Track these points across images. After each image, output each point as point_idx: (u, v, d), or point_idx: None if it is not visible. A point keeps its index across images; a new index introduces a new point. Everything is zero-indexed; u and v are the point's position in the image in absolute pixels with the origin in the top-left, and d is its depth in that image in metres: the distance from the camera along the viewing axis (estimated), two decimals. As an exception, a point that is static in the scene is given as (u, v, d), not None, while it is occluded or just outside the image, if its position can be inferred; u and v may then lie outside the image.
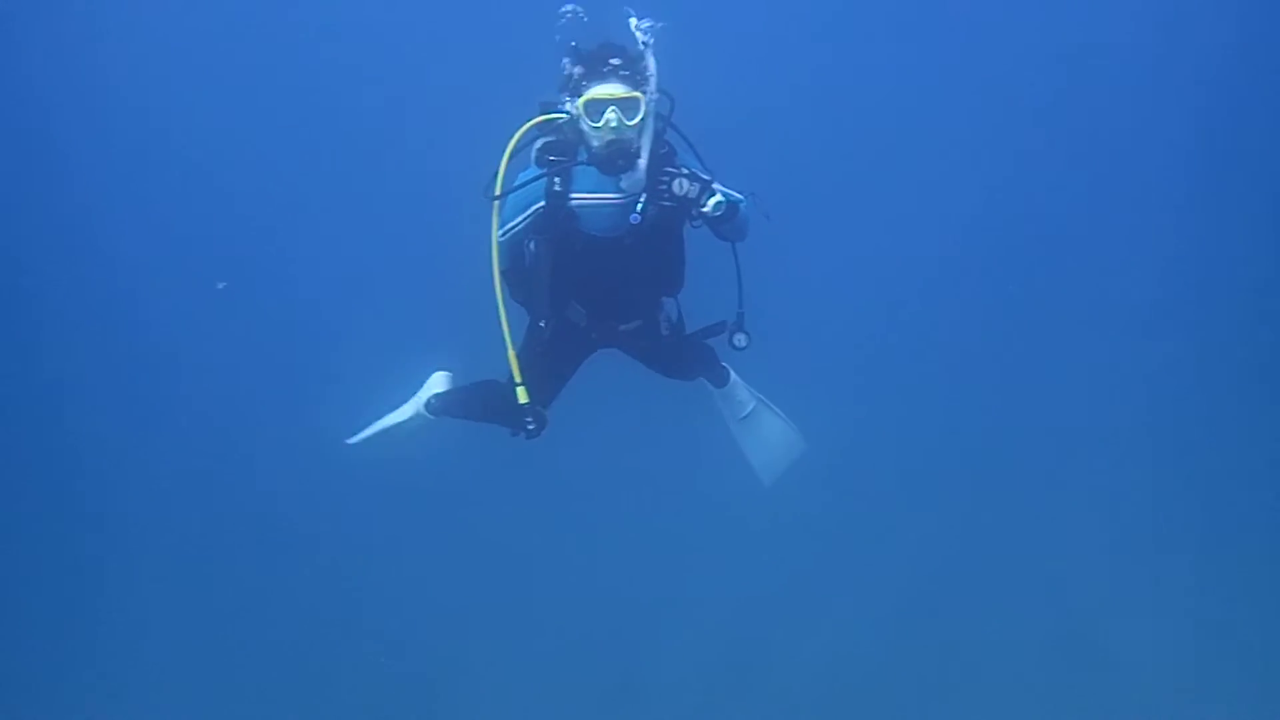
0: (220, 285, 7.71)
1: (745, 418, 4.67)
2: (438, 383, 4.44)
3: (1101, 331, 7.99)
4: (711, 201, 3.52)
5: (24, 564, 7.16)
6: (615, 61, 3.50)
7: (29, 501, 7.43)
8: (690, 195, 3.51)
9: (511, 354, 3.70)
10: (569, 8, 3.67)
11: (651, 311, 4.04)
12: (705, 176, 3.60)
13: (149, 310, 7.76)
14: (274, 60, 7.52)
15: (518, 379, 3.72)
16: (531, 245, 3.79)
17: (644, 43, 3.50)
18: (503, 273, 3.77)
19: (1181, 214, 8.08)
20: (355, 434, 4.49)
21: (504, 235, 3.71)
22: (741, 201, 3.70)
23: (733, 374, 4.58)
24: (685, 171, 3.56)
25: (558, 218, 3.64)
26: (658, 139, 3.58)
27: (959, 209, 7.90)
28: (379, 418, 4.46)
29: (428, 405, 4.35)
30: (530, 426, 3.76)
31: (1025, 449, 7.63)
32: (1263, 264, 8.02)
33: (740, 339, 4.00)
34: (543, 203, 3.63)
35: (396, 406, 4.46)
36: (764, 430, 4.71)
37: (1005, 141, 7.92)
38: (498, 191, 3.63)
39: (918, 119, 7.90)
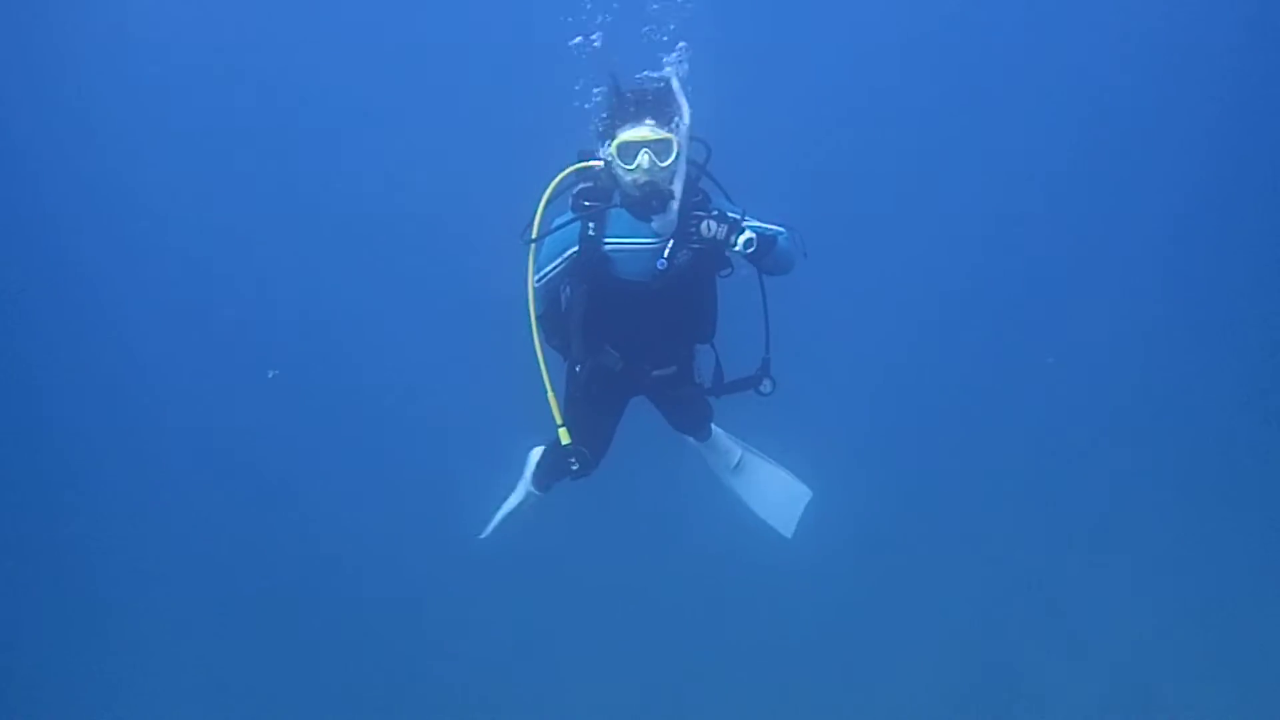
0: (271, 374, 7.88)
1: (736, 468, 4.67)
2: (536, 458, 4.55)
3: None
4: (741, 239, 3.54)
5: (26, 565, 7.21)
6: (646, 102, 3.57)
7: (32, 503, 7.53)
8: (719, 236, 3.54)
9: (551, 396, 3.74)
10: (578, 38, 3.76)
11: (686, 358, 4.05)
12: (734, 215, 3.63)
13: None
14: (306, 126, 7.74)
15: (558, 420, 3.75)
16: (567, 290, 3.87)
17: (674, 78, 3.61)
18: (539, 317, 3.83)
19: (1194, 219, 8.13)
20: (484, 528, 4.70)
21: (540, 280, 3.77)
22: (780, 234, 3.72)
23: (714, 426, 4.56)
24: (715, 213, 3.59)
25: (592, 262, 3.69)
26: (691, 186, 3.64)
27: (974, 230, 7.97)
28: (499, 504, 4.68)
29: (535, 483, 4.50)
30: (575, 467, 3.79)
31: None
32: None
33: (766, 385, 4.01)
34: (576, 247, 3.69)
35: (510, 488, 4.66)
36: (761, 480, 4.71)
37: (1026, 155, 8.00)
38: (534, 235, 3.70)
39: (934, 139, 8.00)
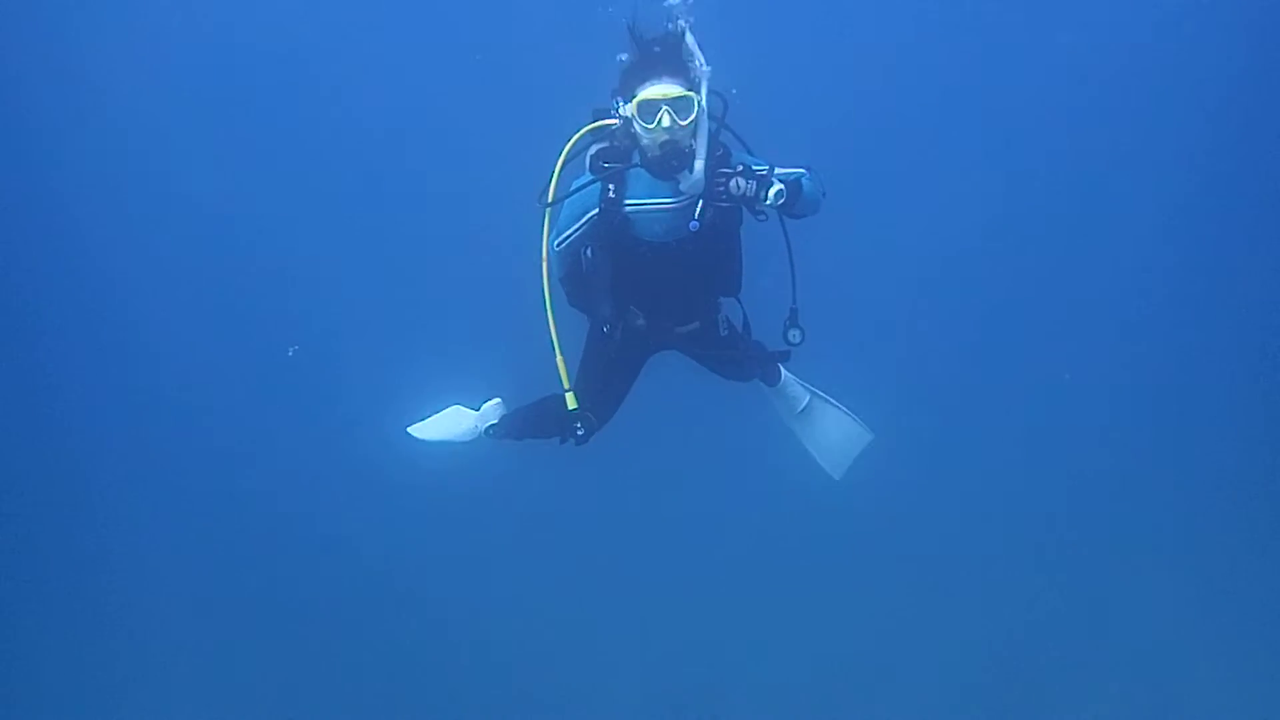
0: (291, 351, 7.81)
1: (802, 412, 4.56)
2: (493, 413, 4.44)
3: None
4: (772, 192, 3.48)
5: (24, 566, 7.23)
6: (670, 54, 3.51)
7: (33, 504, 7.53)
8: (749, 194, 3.49)
9: (560, 360, 3.70)
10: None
11: (710, 313, 4.00)
12: (760, 169, 3.57)
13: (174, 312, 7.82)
14: (318, 71, 7.56)
15: (566, 385, 3.72)
16: (588, 252, 3.81)
17: (684, 28, 3.54)
18: (561, 280, 3.82)
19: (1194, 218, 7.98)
20: (415, 425, 4.53)
21: (561, 244, 3.73)
22: (803, 176, 3.67)
23: (784, 370, 4.48)
24: (740, 168, 3.53)
25: (613, 224, 3.64)
26: (713, 140, 3.58)
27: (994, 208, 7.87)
28: (438, 421, 4.50)
29: (489, 432, 4.37)
30: (580, 432, 3.74)
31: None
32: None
33: (794, 334, 3.95)
34: (597, 210, 3.65)
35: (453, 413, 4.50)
36: (824, 424, 4.59)
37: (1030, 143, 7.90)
38: (550, 199, 3.66)
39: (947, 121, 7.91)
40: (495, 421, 4.37)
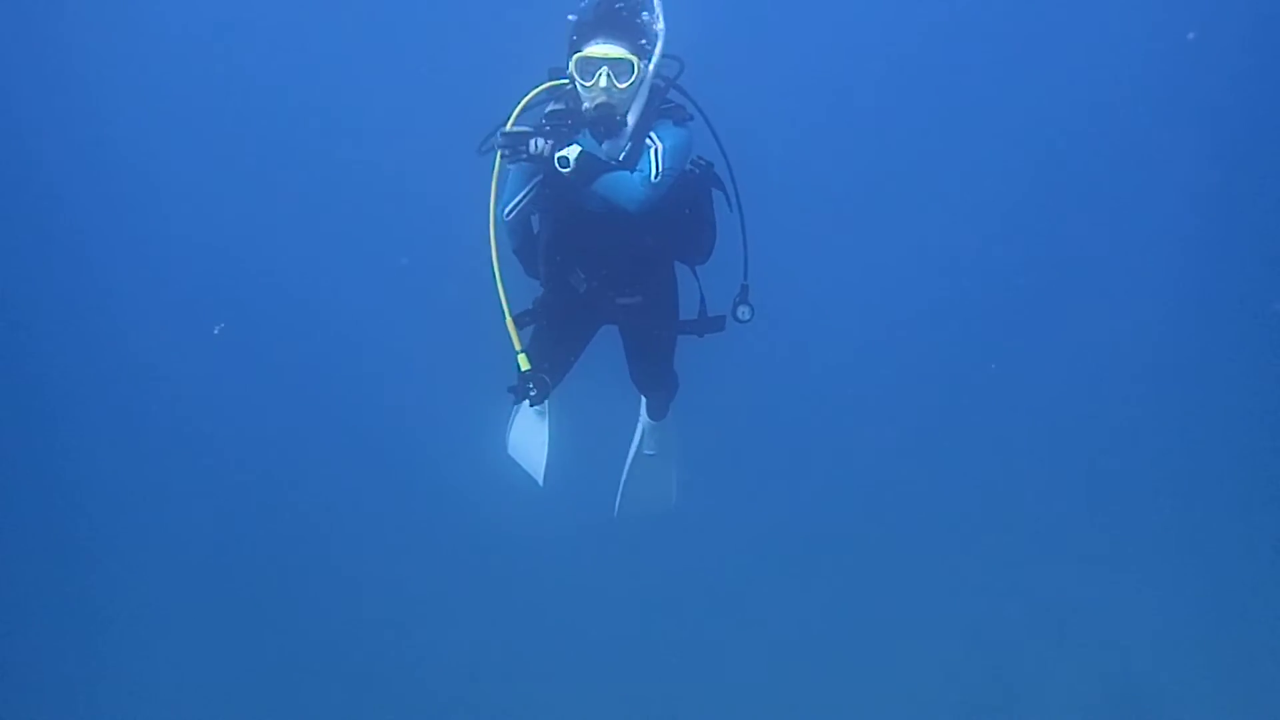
0: (217, 329, 7.75)
1: (648, 456, 4.71)
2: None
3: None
4: (559, 156, 3.37)
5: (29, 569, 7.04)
6: (618, 15, 3.45)
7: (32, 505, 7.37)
8: (544, 154, 3.40)
9: (509, 321, 3.64)
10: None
11: (656, 288, 3.92)
12: (662, 136, 3.46)
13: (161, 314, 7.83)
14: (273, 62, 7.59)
15: (518, 347, 3.65)
16: (536, 217, 3.79)
17: None
18: (515, 251, 3.81)
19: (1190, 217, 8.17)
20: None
21: (510, 213, 3.66)
22: (624, 173, 3.48)
23: (669, 412, 4.53)
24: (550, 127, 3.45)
25: (556, 186, 3.56)
26: (659, 95, 3.53)
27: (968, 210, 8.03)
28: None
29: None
30: (533, 392, 3.67)
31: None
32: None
33: (744, 311, 3.93)
34: (541, 175, 3.58)
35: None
36: (653, 473, 4.76)
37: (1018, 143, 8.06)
38: (487, 146, 3.57)
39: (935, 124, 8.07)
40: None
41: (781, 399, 7.98)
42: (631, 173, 3.48)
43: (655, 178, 3.45)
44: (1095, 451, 7.71)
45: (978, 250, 8.11)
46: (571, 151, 3.39)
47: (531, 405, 3.82)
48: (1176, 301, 8.10)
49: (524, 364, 3.64)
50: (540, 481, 4.46)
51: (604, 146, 3.51)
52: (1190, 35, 7.80)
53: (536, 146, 3.40)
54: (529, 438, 4.56)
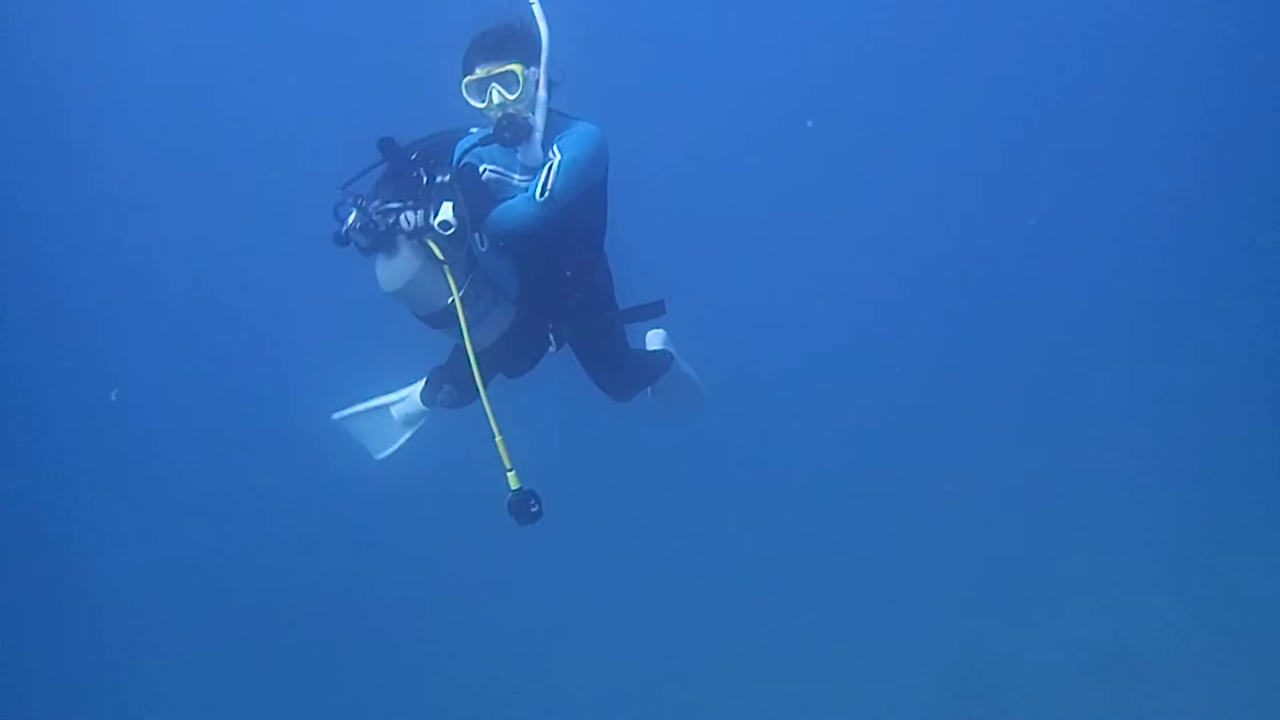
0: (113, 395, 7.79)
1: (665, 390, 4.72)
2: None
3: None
4: (437, 221, 3.25)
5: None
6: (488, 38, 3.49)
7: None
8: (418, 225, 3.27)
9: (499, 441, 3.40)
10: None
11: (582, 293, 3.84)
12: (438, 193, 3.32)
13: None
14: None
15: (508, 464, 3.39)
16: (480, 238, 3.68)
17: (536, 4, 3.51)
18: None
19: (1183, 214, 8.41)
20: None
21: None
22: (506, 206, 3.46)
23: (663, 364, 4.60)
24: (418, 183, 3.32)
25: (478, 197, 3.48)
26: (554, 115, 3.55)
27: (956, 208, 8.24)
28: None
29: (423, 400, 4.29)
30: (441, 399, 3.89)
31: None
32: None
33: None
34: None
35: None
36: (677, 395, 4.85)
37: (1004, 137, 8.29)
38: None
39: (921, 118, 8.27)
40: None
41: (767, 388, 8.04)
42: (513, 198, 3.50)
43: (541, 195, 3.42)
44: (1080, 424, 7.86)
45: (973, 230, 8.23)
46: (445, 211, 3.27)
47: (446, 408, 3.89)
48: (1158, 300, 8.27)
49: (514, 483, 3.37)
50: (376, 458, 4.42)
51: (518, 156, 3.53)
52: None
53: (408, 222, 3.28)
54: (385, 426, 4.43)
